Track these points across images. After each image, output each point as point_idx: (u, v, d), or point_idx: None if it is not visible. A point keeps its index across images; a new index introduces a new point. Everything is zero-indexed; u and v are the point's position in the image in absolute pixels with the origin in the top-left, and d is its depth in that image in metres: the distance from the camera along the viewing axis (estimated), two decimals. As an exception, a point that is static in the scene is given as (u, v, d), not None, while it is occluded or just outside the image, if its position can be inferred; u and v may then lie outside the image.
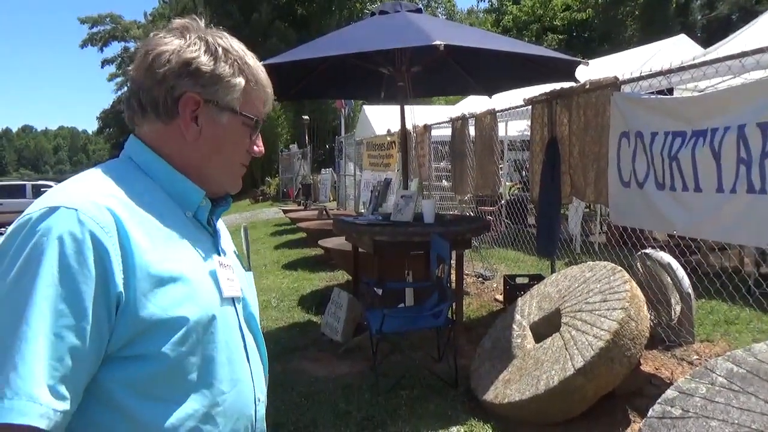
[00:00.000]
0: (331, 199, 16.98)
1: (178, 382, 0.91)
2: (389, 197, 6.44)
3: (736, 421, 1.76)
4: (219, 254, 1.06)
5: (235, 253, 1.17)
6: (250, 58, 1.05)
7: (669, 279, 4.25)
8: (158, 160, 1.01)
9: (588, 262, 4.01)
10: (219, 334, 0.97)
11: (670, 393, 2.09)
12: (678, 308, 4.22)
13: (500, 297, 5.79)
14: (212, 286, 0.98)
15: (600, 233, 8.40)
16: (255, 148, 1.09)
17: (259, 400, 1.07)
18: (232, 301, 1.03)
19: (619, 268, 3.61)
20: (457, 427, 3.27)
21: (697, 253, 4.88)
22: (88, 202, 0.87)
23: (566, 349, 3.23)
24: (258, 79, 1.05)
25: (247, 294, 1.10)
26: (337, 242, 6.70)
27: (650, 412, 2.00)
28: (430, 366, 4.09)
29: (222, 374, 0.97)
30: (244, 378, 1.03)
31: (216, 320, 0.96)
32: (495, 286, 6.52)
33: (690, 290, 4.21)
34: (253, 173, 27.96)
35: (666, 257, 4.32)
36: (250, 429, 1.05)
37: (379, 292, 4.83)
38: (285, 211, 14.39)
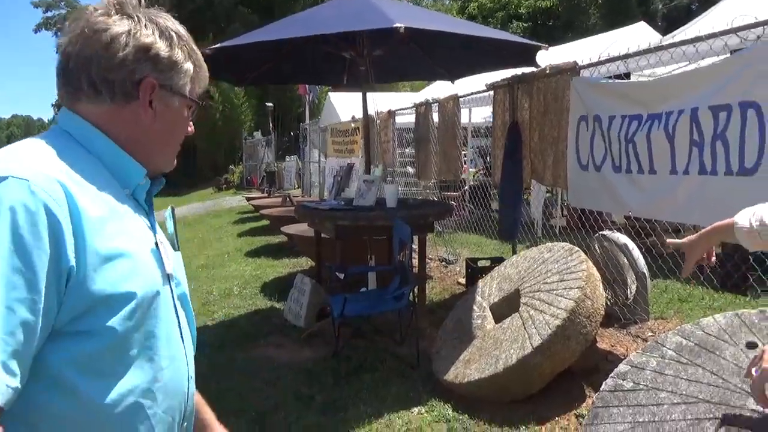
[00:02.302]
0: (296, 186, 16.85)
1: (121, 357, 0.91)
2: (352, 182, 6.41)
3: (684, 392, 1.81)
4: (155, 232, 1.06)
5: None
6: (193, 43, 1.09)
7: (625, 259, 4.35)
8: (101, 136, 0.99)
9: (547, 244, 4.07)
10: (161, 310, 0.98)
11: (622, 367, 2.13)
12: (633, 287, 4.33)
13: (463, 280, 5.85)
14: (154, 262, 0.99)
15: (561, 217, 8.54)
16: (189, 129, 1.12)
17: (191, 378, 1.09)
18: (168, 278, 1.04)
19: (576, 248, 3.67)
20: (419, 407, 3.30)
21: (653, 234, 5.00)
22: (38, 173, 0.84)
23: (525, 328, 3.28)
24: (201, 64, 1.08)
25: (178, 273, 1.11)
26: (299, 228, 6.65)
27: (603, 386, 2.05)
28: (392, 349, 4.11)
29: (162, 350, 0.98)
30: (179, 355, 1.04)
31: (159, 296, 0.98)
32: (458, 270, 6.58)
33: (645, 270, 4.32)
34: (217, 161, 27.51)
35: (622, 238, 4.42)
36: (183, 405, 1.06)
37: (342, 276, 4.82)
38: (248, 199, 14.24)
